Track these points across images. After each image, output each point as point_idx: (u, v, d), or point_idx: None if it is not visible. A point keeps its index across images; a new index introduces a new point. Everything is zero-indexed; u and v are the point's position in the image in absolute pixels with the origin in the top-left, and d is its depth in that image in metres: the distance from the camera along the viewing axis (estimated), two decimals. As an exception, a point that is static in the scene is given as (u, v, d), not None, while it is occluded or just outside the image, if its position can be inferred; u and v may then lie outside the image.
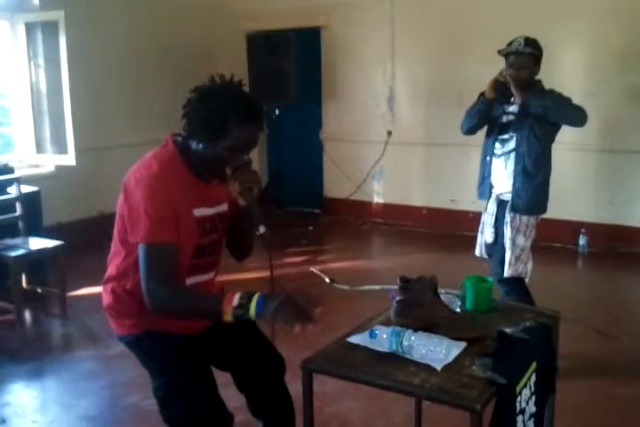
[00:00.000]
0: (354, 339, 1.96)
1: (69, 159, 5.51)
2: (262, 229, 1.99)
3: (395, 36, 6.53)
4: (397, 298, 2.07)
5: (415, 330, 1.90)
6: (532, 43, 3.34)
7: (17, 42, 5.59)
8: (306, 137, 7.28)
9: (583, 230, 5.71)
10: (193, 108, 2.00)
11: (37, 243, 4.40)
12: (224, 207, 2.19)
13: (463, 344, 1.91)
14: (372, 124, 6.85)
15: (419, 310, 2.03)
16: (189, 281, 2.15)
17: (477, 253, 3.73)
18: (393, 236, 6.56)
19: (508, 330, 2.00)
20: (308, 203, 7.29)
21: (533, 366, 1.95)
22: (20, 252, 4.22)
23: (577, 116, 3.36)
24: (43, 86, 5.60)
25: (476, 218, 3.98)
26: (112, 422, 3.14)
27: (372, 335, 1.90)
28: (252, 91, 5.90)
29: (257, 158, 2.24)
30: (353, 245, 6.16)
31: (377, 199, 7.00)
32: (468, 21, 6.08)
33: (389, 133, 6.75)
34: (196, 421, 2.11)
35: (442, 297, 2.15)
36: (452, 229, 6.31)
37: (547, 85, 3.44)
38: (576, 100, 3.39)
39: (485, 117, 3.53)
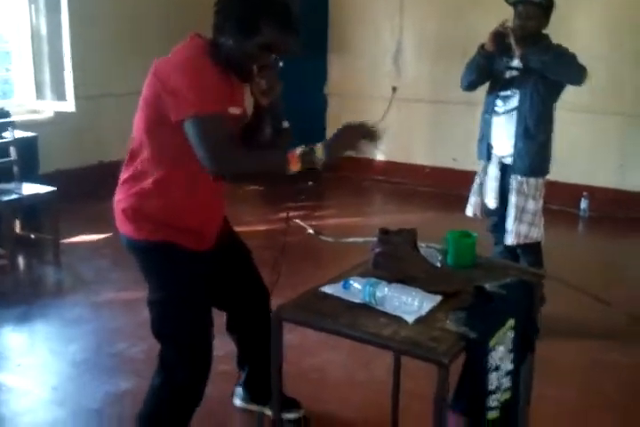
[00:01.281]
0: (327, 288, 1.92)
1: (69, 105, 5.43)
2: (286, 124, 2.18)
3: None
4: (376, 250, 2.03)
5: (390, 282, 1.86)
6: None
7: (16, -16, 5.45)
8: (310, 91, 7.11)
9: (585, 194, 5.63)
10: (226, 3, 2.02)
11: (31, 188, 4.36)
12: (238, 111, 2.18)
13: (438, 298, 1.86)
14: (378, 79, 6.68)
15: (396, 262, 1.99)
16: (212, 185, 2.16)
17: (470, 212, 3.65)
18: (393, 194, 6.49)
19: (486, 285, 1.96)
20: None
21: (511, 322, 1.90)
22: (13, 196, 4.18)
23: (575, 75, 3.23)
24: (43, 31, 5.47)
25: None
26: (97, 368, 3.14)
27: (346, 286, 1.86)
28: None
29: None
30: (352, 202, 6.10)
31: (379, 156, 6.90)
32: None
33: (394, 89, 6.58)
34: (180, 342, 2.16)
35: (422, 251, 2.11)
36: (453, 188, 6.21)
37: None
38: (589, 62, 3.25)
39: (485, 72, 3.40)
